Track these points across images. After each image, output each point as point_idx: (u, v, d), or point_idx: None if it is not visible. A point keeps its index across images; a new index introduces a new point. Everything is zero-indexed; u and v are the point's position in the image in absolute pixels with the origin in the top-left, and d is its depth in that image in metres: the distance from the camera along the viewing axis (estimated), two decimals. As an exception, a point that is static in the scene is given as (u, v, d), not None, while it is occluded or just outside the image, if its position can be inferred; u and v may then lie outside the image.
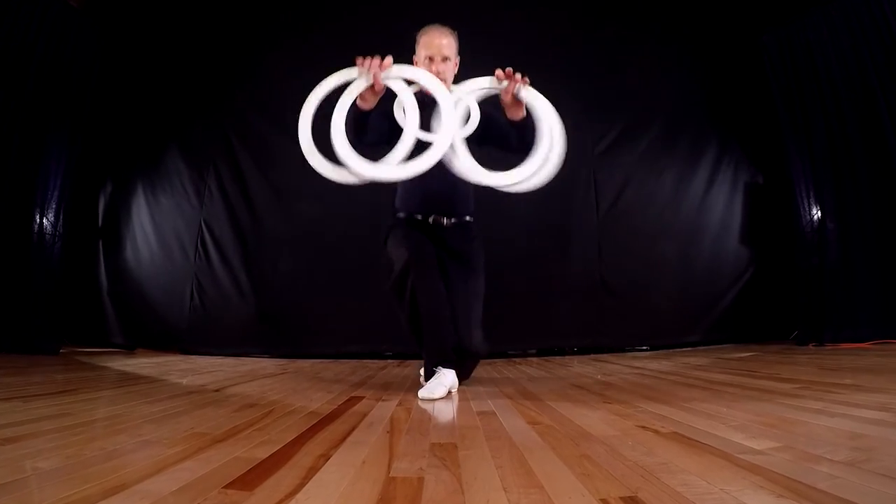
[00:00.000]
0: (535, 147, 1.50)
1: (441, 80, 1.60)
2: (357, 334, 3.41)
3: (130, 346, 3.74)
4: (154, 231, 3.96)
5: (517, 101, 1.53)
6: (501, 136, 1.64)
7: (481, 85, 1.54)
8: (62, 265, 3.59)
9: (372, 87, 1.46)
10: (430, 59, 1.68)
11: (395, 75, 1.47)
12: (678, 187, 3.88)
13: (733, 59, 4.07)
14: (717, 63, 4.07)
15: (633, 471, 0.73)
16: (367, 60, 1.45)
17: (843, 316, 3.22)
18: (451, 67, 1.72)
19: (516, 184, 1.49)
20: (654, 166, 3.86)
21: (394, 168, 1.45)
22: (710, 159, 3.93)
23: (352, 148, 1.46)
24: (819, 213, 3.54)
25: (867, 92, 3.22)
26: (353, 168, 1.43)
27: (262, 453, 0.85)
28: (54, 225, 3.55)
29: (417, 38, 1.75)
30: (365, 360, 3.13)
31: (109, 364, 2.77)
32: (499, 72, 1.51)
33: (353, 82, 1.47)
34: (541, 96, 1.55)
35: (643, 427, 1.03)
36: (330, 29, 3.96)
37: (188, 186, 3.95)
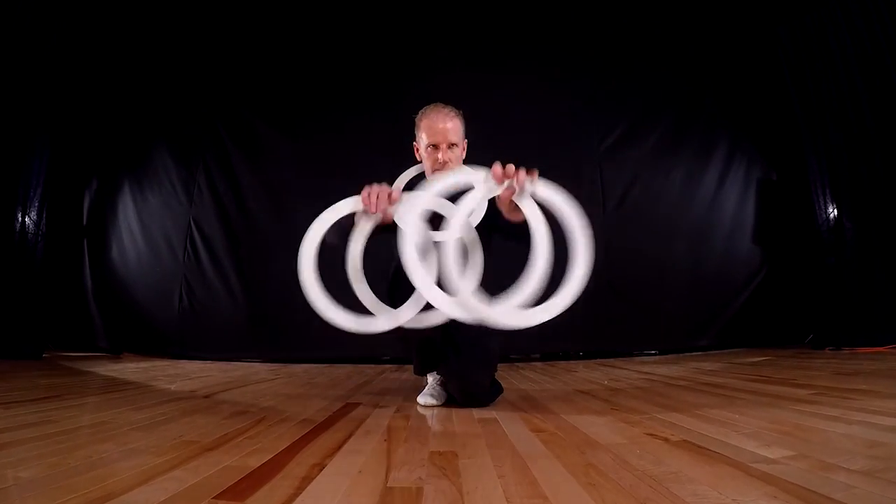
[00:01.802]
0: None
1: (448, 169, 1.53)
2: (353, 338, 3.39)
3: (116, 351, 3.75)
4: (141, 230, 3.96)
5: (514, 204, 1.29)
6: (506, 229, 1.45)
7: (469, 182, 1.30)
8: (45, 266, 3.59)
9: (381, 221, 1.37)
10: (435, 146, 1.55)
11: (404, 210, 1.33)
12: (688, 185, 3.88)
13: (746, 50, 4.07)
14: (729, 55, 4.07)
15: (641, 481, 0.72)
16: (373, 195, 1.33)
17: (860, 319, 3.22)
18: (459, 154, 1.60)
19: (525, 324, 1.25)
20: (662, 163, 3.86)
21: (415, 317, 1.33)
22: (721, 155, 3.94)
23: (375, 297, 1.38)
24: (835, 211, 3.54)
25: (886, 85, 3.23)
26: (375, 323, 1.35)
27: (254, 462, 0.85)
28: (37, 224, 3.55)
29: (417, 121, 1.62)
30: (361, 365, 3.13)
31: (94, 369, 2.77)
32: (496, 169, 1.25)
33: (357, 217, 1.38)
34: (554, 192, 1.27)
35: (652, 435, 1.03)
36: (326, 22, 3.97)
37: (177, 183, 3.95)
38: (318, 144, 3.82)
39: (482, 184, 1.28)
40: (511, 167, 1.26)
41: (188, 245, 3.82)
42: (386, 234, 1.45)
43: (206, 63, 4.08)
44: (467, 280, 1.28)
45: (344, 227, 1.39)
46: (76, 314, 3.91)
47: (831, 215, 3.57)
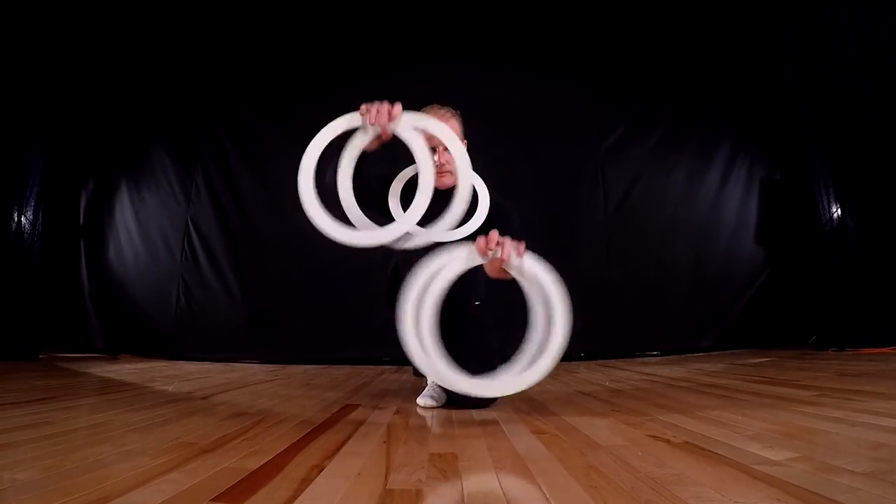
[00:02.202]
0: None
1: (446, 171, 1.55)
2: (352, 339, 3.40)
3: (113, 351, 3.74)
4: (138, 230, 3.96)
5: (502, 270, 1.29)
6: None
7: (340, 129, 1.34)
8: (41, 266, 3.59)
9: (378, 136, 1.37)
10: (432, 149, 1.53)
11: (405, 125, 1.35)
12: (690, 184, 3.88)
13: (748, 48, 4.07)
14: (731, 53, 4.08)
15: (643, 483, 0.72)
16: (373, 108, 1.33)
17: (864, 319, 3.23)
18: None
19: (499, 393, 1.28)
20: (664, 162, 3.86)
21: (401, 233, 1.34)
22: (723, 154, 3.94)
23: (362, 212, 1.38)
24: (839, 210, 3.54)
25: (890, 83, 3.23)
26: (365, 237, 1.35)
27: (253, 464, 0.85)
28: (33, 224, 3.55)
29: None
30: (360, 366, 3.13)
31: (91, 370, 2.77)
32: (480, 241, 1.25)
33: (356, 131, 1.37)
34: (539, 265, 1.28)
35: (654, 437, 1.03)
36: (325, 21, 3.97)
37: (174, 183, 3.95)
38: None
39: (465, 258, 1.27)
40: (494, 237, 1.25)
41: (186, 245, 3.82)
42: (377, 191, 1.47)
43: (204, 61, 4.08)
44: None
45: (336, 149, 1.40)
46: (73, 315, 3.91)
47: (835, 215, 3.57)
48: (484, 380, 1.27)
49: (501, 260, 1.25)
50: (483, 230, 1.38)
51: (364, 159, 1.41)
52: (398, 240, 1.35)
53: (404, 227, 1.31)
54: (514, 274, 1.28)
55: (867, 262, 3.34)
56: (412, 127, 1.36)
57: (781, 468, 0.77)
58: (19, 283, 3.39)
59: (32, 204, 3.56)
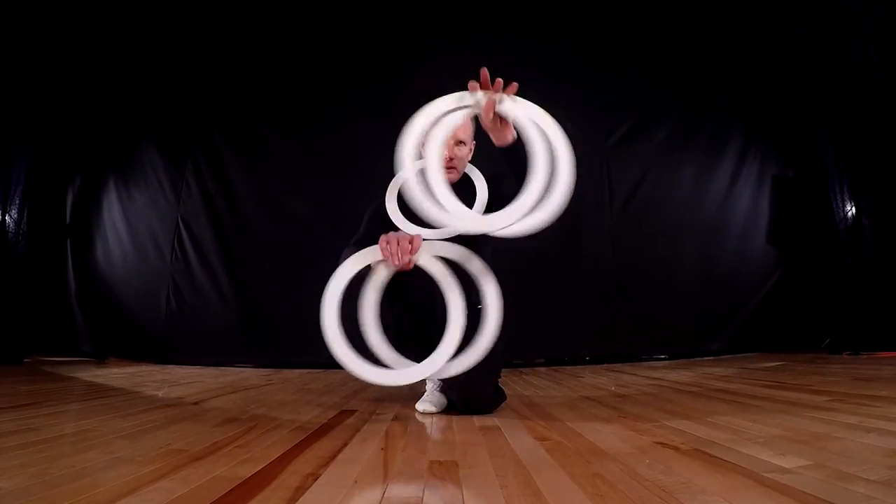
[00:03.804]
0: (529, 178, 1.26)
1: (453, 167, 1.56)
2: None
3: (101, 355, 3.75)
4: (127, 229, 3.96)
5: (502, 120, 1.31)
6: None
7: (450, 105, 1.31)
8: (26, 267, 3.59)
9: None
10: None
11: (426, 258, 1.33)
12: (699, 181, 3.88)
13: (759, 40, 4.07)
14: (741, 45, 4.07)
15: (650, 491, 0.72)
16: (392, 244, 1.30)
17: (879, 322, 3.22)
18: (466, 153, 1.61)
19: (506, 227, 1.27)
20: (672, 158, 3.86)
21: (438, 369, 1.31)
22: (734, 151, 3.94)
23: (394, 351, 1.37)
24: (854, 209, 3.54)
25: (906, 77, 3.23)
26: (394, 377, 1.33)
27: (245, 472, 0.85)
28: (17, 222, 3.55)
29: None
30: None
31: (78, 374, 2.77)
32: (472, 82, 1.28)
33: (374, 268, 1.36)
34: (536, 109, 1.30)
35: (661, 443, 1.03)
36: (319, 14, 3.97)
37: (164, 180, 3.95)
38: (312, 140, 3.82)
39: (464, 100, 1.29)
40: (485, 73, 1.27)
41: (176, 245, 3.82)
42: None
43: (196, 56, 4.08)
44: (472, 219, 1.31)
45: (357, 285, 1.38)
46: (59, 317, 3.91)
47: (849, 214, 3.57)
48: (485, 216, 1.30)
49: (494, 101, 1.26)
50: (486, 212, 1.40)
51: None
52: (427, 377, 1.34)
53: (431, 370, 1.30)
54: (510, 115, 1.28)
55: (883, 262, 3.34)
56: (434, 257, 1.34)
57: (793, 476, 0.77)
58: (3, 284, 3.39)
59: (17, 202, 3.56)
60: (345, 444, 1.08)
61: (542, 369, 3.19)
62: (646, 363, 3.39)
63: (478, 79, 1.29)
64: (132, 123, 4.08)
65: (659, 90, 3.93)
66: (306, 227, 3.65)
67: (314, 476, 0.83)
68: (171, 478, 0.81)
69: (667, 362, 3.41)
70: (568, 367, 3.27)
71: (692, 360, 3.41)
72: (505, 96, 1.28)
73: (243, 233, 3.80)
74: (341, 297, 1.33)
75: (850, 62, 3.51)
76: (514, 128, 1.33)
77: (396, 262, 1.30)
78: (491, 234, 1.30)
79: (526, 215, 1.25)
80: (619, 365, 3.30)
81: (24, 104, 3.53)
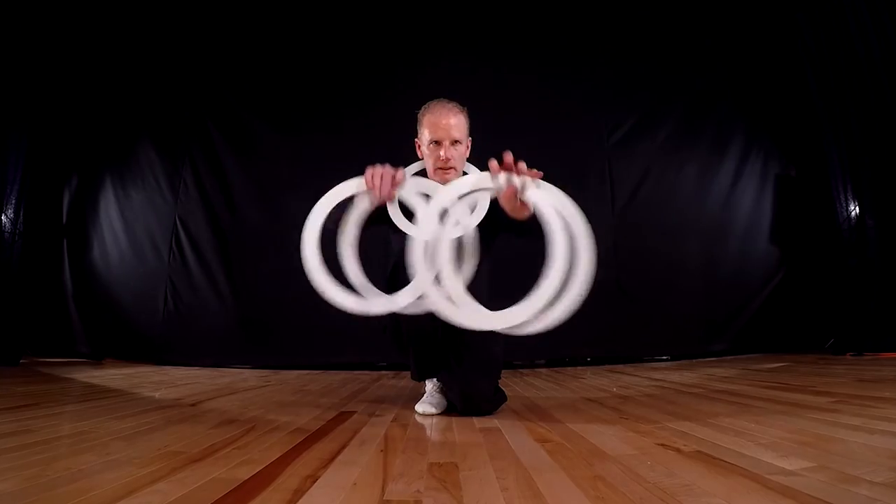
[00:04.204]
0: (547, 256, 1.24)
1: (450, 167, 1.56)
2: (348, 343, 3.40)
3: (98, 356, 3.75)
4: (124, 229, 3.96)
5: (521, 202, 1.28)
6: (511, 226, 1.44)
7: (471, 186, 1.32)
8: (22, 267, 3.60)
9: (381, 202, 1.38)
10: (437, 143, 1.55)
11: (408, 191, 1.37)
12: (702, 180, 3.88)
13: (763, 38, 4.07)
14: (744, 43, 4.07)
15: (652, 494, 0.72)
16: (377, 175, 1.34)
17: (883, 322, 3.22)
18: (463, 152, 1.61)
19: (521, 325, 1.24)
20: (674, 157, 3.86)
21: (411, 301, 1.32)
22: (736, 150, 3.94)
23: (367, 280, 1.38)
24: (857, 208, 3.54)
25: (911, 75, 3.23)
26: (374, 305, 1.36)
27: (243, 474, 0.85)
28: (14, 222, 3.55)
29: (420, 116, 1.62)
30: (356, 372, 3.13)
31: (74, 375, 2.77)
32: (493, 163, 1.27)
33: (357, 199, 1.39)
34: (559, 195, 1.25)
35: (663, 445, 1.03)
36: (319, 11, 3.97)
37: (161, 180, 3.95)
38: (312, 139, 3.82)
39: (483, 183, 1.31)
40: (509, 157, 1.26)
41: (174, 245, 3.82)
42: (382, 226, 1.46)
43: (193, 53, 4.08)
44: (459, 280, 1.31)
45: (340, 213, 1.41)
46: (55, 318, 3.91)
47: (853, 213, 3.57)
48: (496, 313, 1.26)
49: (516, 186, 1.25)
50: (485, 223, 1.39)
51: (369, 224, 1.43)
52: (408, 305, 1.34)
53: (410, 297, 1.31)
54: (532, 201, 1.26)
55: (887, 262, 3.34)
56: (416, 192, 1.38)
57: (797, 478, 0.77)
58: (-1, 284, 3.39)
59: (13, 202, 3.56)
60: (344, 446, 1.08)
61: (543, 370, 3.19)
62: (647, 364, 3.38)
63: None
64: (129, 122, 4.08)
65: (661, 88, 3.93)
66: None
67: (313, 478, 0.83)
68: (168, 480, 0.81)
69: (669, 363, 3.41)
70: (569, 368, 3.27)
71: (694, 361, 3.41)
72: (528, 181, 1.26)
73: (241, 233, 3.80)
74: (322, 228, 1.37)
75: (853, 59, 3.51)
76: (535, 210, 1.29)
77: (378, 193, 1.34)
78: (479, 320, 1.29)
79: (543, 309, 1.23)
80: (621, 366, 3.30)
81: (19, 103, 3.53)
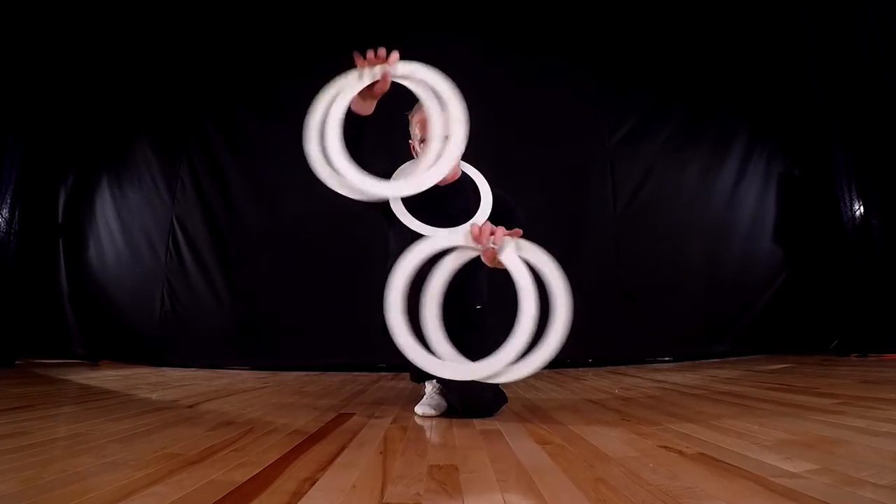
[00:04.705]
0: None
1: None
2: (346, 344, 3.41)
3: (94, 358, 3.75)
4: (120, 229, 3.96)
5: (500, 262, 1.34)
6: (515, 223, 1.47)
7: (451, 244, 1.35)
8: (18, 267, 3.59)
9: (371, 86, 1.38)
10: (426, 141, 1.55)
11: (401, 73, 1.40)
12: (704, 180, 3.88)
13: (766, 36, 4.07)
14: (748, 41, 4.07)
15: (654, 496, 0.73)
16: (369, 54, 1.36)
17: (888, 323, 3.22)
18: None
19: (493, 375, 1.29)
20: (677, 157, 3.86)
21: (401, 186, 1.39)
22: (739, 149, 3.94)
23: (353, 160, 1.37)
24: (862, 208, 3.54)
25: (915, 73, 3.23)
26: (355, 183, 1.35)
27: (241, 476, 0.85)
28: (9, 222, 3.55)
29: (409, 117, 1.66)
30: (355, 373, 3.13)
31: (70, 377, 2.77)
32: (474, 230, 1.32)
33: (349, 80, 1.40)
34: (539, 254, 1.32)
35: (666, 447, 1.03)
36: (317, 8, 3.97)
37: (158, 179, 3.95)
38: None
39: (461, 244, 1.34)
40: (488, 227, 1.32)
41: (171, 245, 3.82)
42: (379, 214, 1.51)
43: (191, 51, 4.08)
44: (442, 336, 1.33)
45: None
46: (51, 318, 3.91)
47: (857, 213, 3.57)
48: (476, 364, 1.30)
49: (495, 250, 1.31)
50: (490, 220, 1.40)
51: (362, 124, 1.43)
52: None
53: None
54: (507, 264, 1.32)
55: (891, 262, 3.34)
56: (409, 76, 1.41)
57: (801, 481, 0.77)
58: (-6, 285, 3.39)
59: (8, 201, 3.56)
60: (343, 449, 1.08)
61: (544, 371, 3.19)
62: (650, 365, 3.38)
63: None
64: (126, 121, 4.08)
65: (664, 87, 3.93)
66: (304, 226, 3.65)
67: (311, 481, 0.83)
68: (165, 482, 0.81)
69: (671, 364, 3.41)
70: (570, 370, 3.27)
71: (697, 362, 3.41)
72: (508, 243, 1.32)
73: (239, 232, 3.80)
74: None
75: (858, 57, 3.51)
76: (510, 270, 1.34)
77: (373, 64, 1.35)
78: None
79: (515, 361, 1.28)
80: (623, 367, 3.30)
81: (15, 101, 3.53)
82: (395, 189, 1.43)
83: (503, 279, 1.37)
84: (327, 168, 1.35)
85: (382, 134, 1.53)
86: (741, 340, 3.68)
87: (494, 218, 1.44)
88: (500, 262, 1.34)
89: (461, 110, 1.38)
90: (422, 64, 1.45)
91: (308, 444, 1.13)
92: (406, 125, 1.68)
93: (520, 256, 1.31)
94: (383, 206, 1.50)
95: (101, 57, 4.09)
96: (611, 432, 1.21)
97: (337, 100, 1.38)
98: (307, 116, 1.39)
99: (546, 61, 3.85)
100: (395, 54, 1.39)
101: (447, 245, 1.35)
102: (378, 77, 1.37)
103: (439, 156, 1.39)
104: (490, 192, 1.56)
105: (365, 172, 1.37)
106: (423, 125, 1.57)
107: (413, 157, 1.67)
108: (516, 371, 1.28)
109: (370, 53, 1.37)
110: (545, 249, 1.32)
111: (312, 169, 1.34)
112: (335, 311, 3.47)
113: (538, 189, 3.49)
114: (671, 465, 0.89)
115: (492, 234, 1.31)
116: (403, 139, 1.72)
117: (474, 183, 1.60)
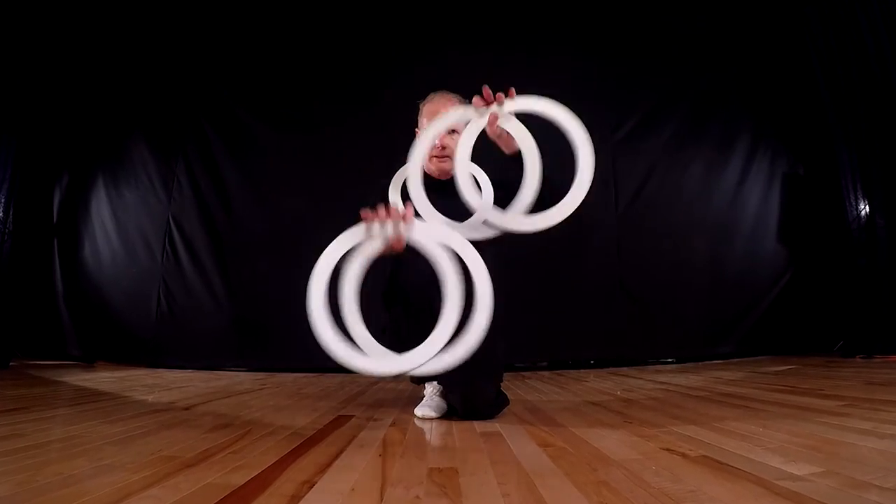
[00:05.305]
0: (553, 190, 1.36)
1: (446, 155, 1.59)
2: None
3: (89, 359, 3.75)
4: (116, 228, 3.96)
5: (507, 133, 1.40)
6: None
7: (458, 120, 1.41)
8: (12, 267, 3.59)
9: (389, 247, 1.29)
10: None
11: (417, 236, 1.28)
12: (708, 179, 3.88)
13: (770, 33, 4.07)
14: (751, 38, 4.07)
15: (657, 499, 0.73)
16: (381, 215, 1.26)
17: (894, 324, 3.22)
18: None
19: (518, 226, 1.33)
20: (680, 155, 3.86)
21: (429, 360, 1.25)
22: (743, 147, 3.94)
23: (376, 337, 1.31)
24: (867, 207, 3.54)
25: (922, 71, 3.23)
26: (386, 367, 1.28)
27: (239, 479, 0.85)
28: (3, 221, 3.56)
29: (420, 107, 1.69)
30: (354, 375, 3.13)
31: (65, 378, 2.77)
32: (476, 98, 1.39)
33: (361, 245, 1.30)
34: (541, 103, 1.41)
35: (669, 450, 1.03)
36: (315, 6, 3.97)
37: (154, 178, 3.95)
38: (307, 136, 3.82)
39: (469, 116, 1.39)
40: (487, 90, 1.37)
41: (167, 244, 3.82)
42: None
43: (187, 49, 4.08)
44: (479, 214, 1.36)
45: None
46: (46, 319, 3.91)
47: (863, 212, 3.57)
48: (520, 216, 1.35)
49: (497, 114, 1.37)
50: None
51: (379, 275, 1.40)
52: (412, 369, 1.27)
53: (416, 362, 1.24)
54: (510, 128, 1.38)
55: (897, 262, 3.34)
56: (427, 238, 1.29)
57: (805, 483, 0.77)
58: (-12, 285, 3.39)
59: (3, 200, 3.56)
60: (341, 451, 1.08)
61: (546, 373, 3.19)
62: (652, 367, 3.39)
63: (479, 86, 1.37)
64: (122, 119, 4.08)
65: (666, 85, 3.93)
66: (302, 226, 3.65)
67: (310, 484, 0.83)
68: (161, 485, 0.81)
69: (674, 366, 3.41)
70: (572, 371, 3.27)
71: (700, 363, 3.41)
72: (506, 103, 1.39)
73: (236, 232, 3.80)
74: (329, 280, 1.30)
75: (863, 54, 3.51)
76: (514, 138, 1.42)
77: (388, 229, 1.26)
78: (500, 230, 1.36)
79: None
80: (625, 369, 3.30)
81: (9, 99, 3.53)
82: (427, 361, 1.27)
83: (503, 280, 1.37)
84: (343, 345, 1.27)
85: (383, 131, 1.54)
86: (745, 341, 3.68)
87: (501, 200, 1.43)
88: (505, 134, 1.39)
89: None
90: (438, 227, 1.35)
91: (306, 446, 1.13)
92: (412, 118, 1.69)
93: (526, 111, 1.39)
94: (381, 281, 1.48)
95: (97, 55, 4.09)
96: (613, 434, 1.21)
97: (349, 273, 1.29)
98: (310, 283, 1.29)
99: (547, 59, 3.84)
100: (410, 212, 1.30)
101: (456, 121, 1.41)
102: (392, 243, 1.27)
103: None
104: (491, 191, 1.55)
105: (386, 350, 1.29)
106: (432, 115, 1.59)
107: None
108: (539, 222, 1.32)
109: (381, 214, 1.26)
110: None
111: (326, 348, 1.27)
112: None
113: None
114: (674, 468, 0.89)
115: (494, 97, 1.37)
116: (407, 134, 1.72)
117: (476, 180, 1.60)
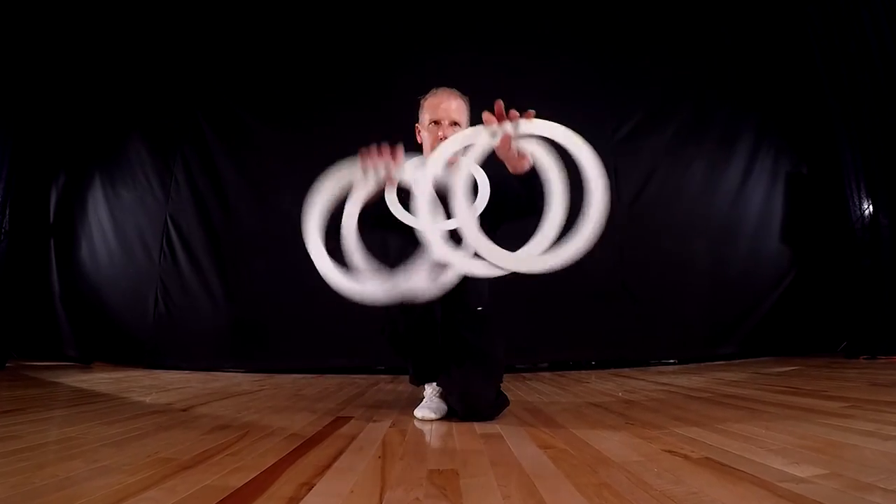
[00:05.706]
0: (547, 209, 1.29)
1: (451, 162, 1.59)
2: (344, 346, 3.41)
3: (86, 360, 3.75)
4: (113, 228, 3.96)
5: (519, 152, 1.32)
6: (517, 205, 1.47)
7: (464, 140, 1.34)
8: (8, 267, 3.60)
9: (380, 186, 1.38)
10: (436, 123, 1.64)
11: (408, 173, 1.37)
12: (710, 178, 3.88)
13: (773, 31, 4.07)
14: (754, 36, 4.07)
15: (659, 501, 0.73)
16: (374, 155, 1.37)
17: (898, 325, 3.22)
18: None
19: (530, 267, 1.27)
20: (682, 155, 3.86)
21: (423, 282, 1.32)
22: (746, 147, 3.94)
23: (372, 265, 1.38)
24: (871, 207, 3.54)
25: (926, 70, 3.23)
26: (378, 289, 1.34)
27: (236, 481, 0.85)
28: (-1, 221, 3.55)
29: (422, 101, 1.71)
30: (353, 376, 3.13)
31: (62, 379, 2.77)
32: (486, 114, 1.31)
33: (355, 183, 1.39)
34: (559, 129, 1.30)
35: (670, 452, 1.03)
36: (314, 3, 3.97)
37: (152, 178, 3.95)
38: (306, 135, 3.81)
39: (479, 136, 1.31)
40: (500, 106, 1.28)
41: (164, 244, 3.82)
42: (378, 229, 1.48)
43: (184, 48, 4.08)
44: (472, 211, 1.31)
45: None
46: (42, 320, 3.91)
47: (866, 212, 3.57)
48: (510, 254, 1.27)
49: (511, 134, 1.28)
50: (485, 217, 1.39)
51: (369, 216, 1.42)
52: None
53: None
54: (528, 148, 1.30)
55: (901, 262, 3.34)
56: (413, 172, 1.36)
57: (808, 485, 0.77)
58: (-16, 285, 3.39)
59: (-2, 200, 3.56)
60: (340, 453, 1.08)
61: (546, 374, 3.19)
62: (654, 368, 3.39)
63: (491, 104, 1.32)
64: (119, 118, 4.08)
65: (668, 83, 3.93)
66: (300, 225, 3.64)
67: (309, 486, 0.83)
68: (158, 487, 0.81)
69: (676, 367, 3.41)
70: (573, 372, 3.27)
71: (702, 364, 3.41)
72: (520, 123, 1.30)
73: (234, 232, 3.80)
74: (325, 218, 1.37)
75: (866, 53, 3.51)
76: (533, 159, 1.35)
77: (378, 167, 1.35)
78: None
79: (551, 247, 1.25)
80: (627, 370, 3.30)
81: (5, 98, 3.53)
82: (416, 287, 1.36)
83: (504, 280, 1.37)
84: (339, 273, 1.35)
85: (382, 128, 1.54)
86: (747, 342, 3.68)
87: (495, 203, 1.42)
88: (517, 154, 1.31)
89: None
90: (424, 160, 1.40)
91: (305, 448, 1.13)
92: (412, 115, 1.69)
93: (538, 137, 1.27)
94: (376, 213, 1.48)
95: (94, 54, 4.09)
96: (614, 436, 1.21)
97: (348, 209, 1.38)
98: (306, 213, 1.39)
99: (548, 58, 3.84)
100: (399, 151, 1.39)
101: (464, 142, 1.34)
102: (382, 182, 1.37)
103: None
104: (488, 188, 1.55)
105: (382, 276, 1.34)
106: (434, 108, 1.62)
107: (418, 143, 1.69)
108: (546, 261, 1.25)
109: (373, 155, 1.37)
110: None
111: (323, 275, 1.36)
112: (332, 313, 3.46)
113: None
114: (676, 470, 0.89)
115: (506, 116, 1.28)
116: (406, 132, 1.72)
117: (474, 178, 1.60)
